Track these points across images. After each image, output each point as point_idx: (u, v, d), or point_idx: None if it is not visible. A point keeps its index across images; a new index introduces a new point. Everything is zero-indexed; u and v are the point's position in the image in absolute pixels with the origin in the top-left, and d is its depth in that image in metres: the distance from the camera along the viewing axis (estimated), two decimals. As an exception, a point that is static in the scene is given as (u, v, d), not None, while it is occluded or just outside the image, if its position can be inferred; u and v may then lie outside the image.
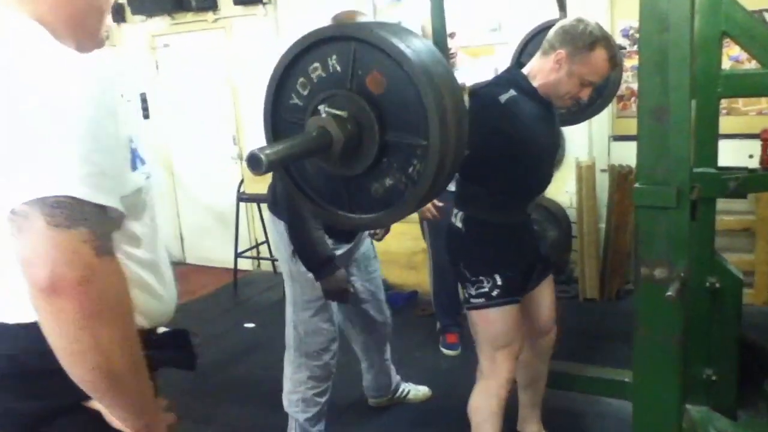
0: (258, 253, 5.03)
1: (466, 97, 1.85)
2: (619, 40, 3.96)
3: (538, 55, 1.98)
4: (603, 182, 3.98)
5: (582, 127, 4.04)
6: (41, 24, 0.87)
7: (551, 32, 1.95)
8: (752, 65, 3.24)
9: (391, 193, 1.20)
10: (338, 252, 2.28)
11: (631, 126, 4.10)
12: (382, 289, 2.65)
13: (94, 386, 0.83)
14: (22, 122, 0.77)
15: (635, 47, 3.89)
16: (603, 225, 4.02)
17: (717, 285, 2.09)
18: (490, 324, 2.02)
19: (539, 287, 2.23)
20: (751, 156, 3.26)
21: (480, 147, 1.81)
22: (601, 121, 4.04)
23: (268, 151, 1.02)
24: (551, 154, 2.12)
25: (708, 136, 2.09)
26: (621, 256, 3.90)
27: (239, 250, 4.75)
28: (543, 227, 4.06)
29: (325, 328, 2.36)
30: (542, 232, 4.06)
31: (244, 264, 4.97)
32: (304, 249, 2.14)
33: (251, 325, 3.97)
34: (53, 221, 0.75)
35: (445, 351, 3.44)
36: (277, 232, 2.34)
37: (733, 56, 3.58)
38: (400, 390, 2.94)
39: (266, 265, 5.00)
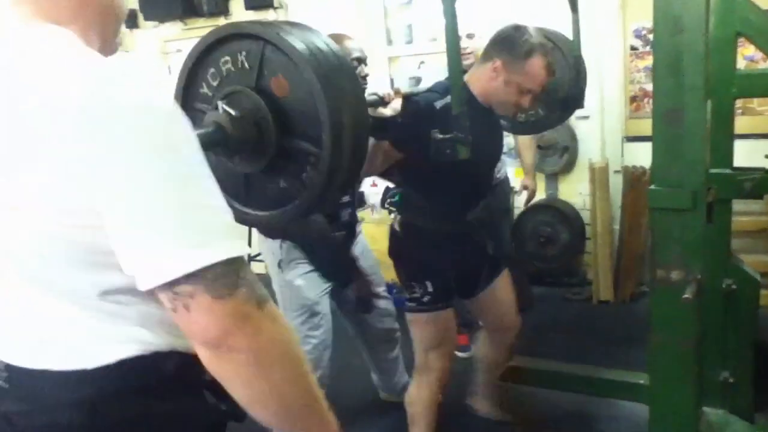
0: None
1: (399, 102, 1.87)
2: (632, 40, 3.94)
3: (477, 62, 2.02)
4: (616, 184, 3.95)
5: (595, 128, 4.04)
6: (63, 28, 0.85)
7: (489, 40, 1.99)
8: (767, 65, 3.21)
9: (285, 194, 1.24)
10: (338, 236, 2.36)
11: (645, 127, 4.10)
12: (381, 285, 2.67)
13: (280, 423, 0.88)
14: (133, 164, 0.74)
15: (647, 48, 3.87)
16: (617, 227, 4.00)
17: (733, 287, 2.07)
18: (422, 327, 2.13)
19: (495, 286, 2.29)
20: (766, 156, 3.22)
21: (414, 151, 1.86)
22: (614, 122, 4.03)
23: None
24: (489, 162, 2.17)
25: (723, 137, 2.08)
26: (635, 258, 3.88)
27: (252, 254, 4.75)
28: (555, 229, 4.05)
29: (314, 335, 2.37)
30: (554, 235, 4.05)
31: (258, 268, 4.98)
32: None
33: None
34: (218, 294, 0.77)
35: (456, 353, 3.43)
36: (265, 242, 2.38)
37: (747, 56, 3.55)
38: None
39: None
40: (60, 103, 0.74)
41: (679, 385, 1.38)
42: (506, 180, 3.44)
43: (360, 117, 1.22)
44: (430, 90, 2.04)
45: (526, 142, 3.50)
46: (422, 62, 3.45)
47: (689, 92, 1.27)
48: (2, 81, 0.78)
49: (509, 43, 1.93)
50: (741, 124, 3.14)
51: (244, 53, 1.19)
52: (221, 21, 4.88)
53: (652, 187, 1.32)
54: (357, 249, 2.58)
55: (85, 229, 0.77)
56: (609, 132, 4.04)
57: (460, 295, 2.25)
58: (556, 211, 4.08)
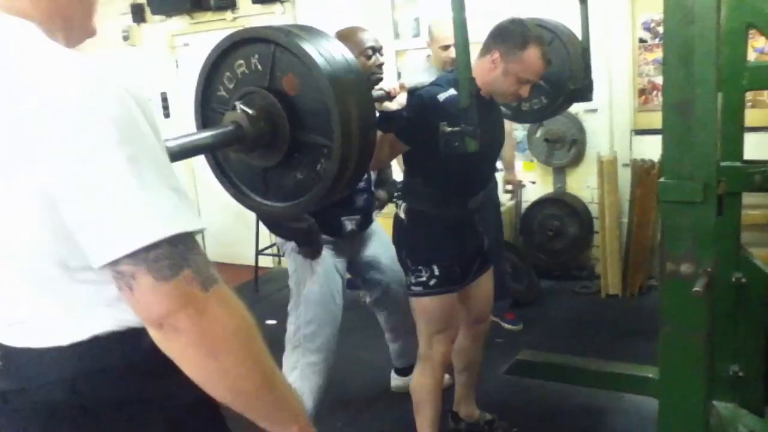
0: (278, 250, 5.06)
1: (404, 96, 1.90)
2: (641, 33, 3.92)
3: (477, 55, 2.06)
4: (625, 177, 3.94)
5: (603, 121, 4.02)
6: (26, 20, 0.84)
7: (488, 34, 2.06)
8: (778, 57, 3.18)
9: (302, 186, 1.32)
10: (352, 220, 2.41)
11: (653, 120, 4.09)
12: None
13: (234, 404, 0.88)
14: (75, 148, 0.76)
15: (657, 40, 3.84)
16: (625, 220, 3.98)
17: (743, 280, 2.06)
18: (427, 311, 2.15)
19: (482, 278, 2.35)
20: (777, 149, 3.20)
21: (419, 143, 1.95)
22: (623, 116, 4.01)
23: (170, 143, 1.08)
24: (491, 152, 2.21)
25: (733, 130, 2.06)
26: (643, 252, 3.86)
27: (260, 248, 4.78)
28: (563, 223, 4.04)
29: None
30: (562, 228, 4.04)
31: (265, 261, 5.00)
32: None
33: (272, 321, 3.99)
34: (160, 275, 0.78)
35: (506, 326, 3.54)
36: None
37: (758, 48, 3.52)
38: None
39: (286, 263, 5.02)
40: (60, 103, 0.76)
41: (689, 378, 1.37)
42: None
43: (366, 109, 1.29)
44: (433, 83, 2.09)
45: (508, 138, 3.49)
46: (429, 56, 3.46)
47: (700, 84, 1.26)
48: None
49: (506, 35, 1.99)
50: (751, 116, 3.12)
51: (256, 56, 1.28)
52: (228, 15, 4.88)
53: (663, 179, 1.32)
54: (375, 244, 2.61)
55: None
56: (617, 125, 4.02)
57: (461, 282, 2.25)
58: (564, 205, 4.07)
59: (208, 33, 5.00)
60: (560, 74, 2.45)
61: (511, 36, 1.98)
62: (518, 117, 2.78)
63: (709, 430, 1.46)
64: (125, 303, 0.81)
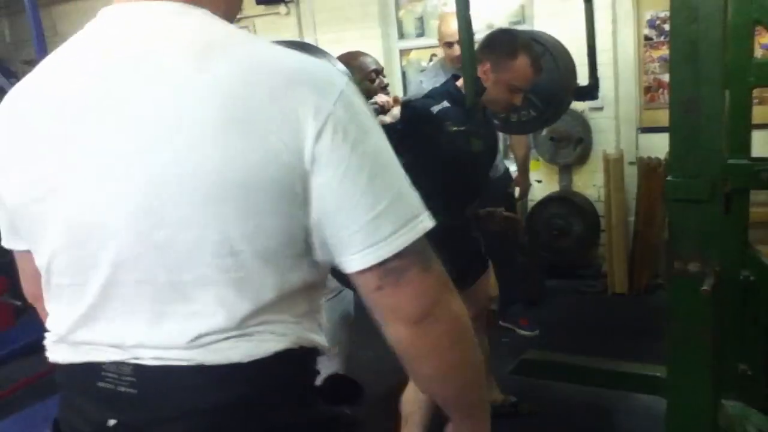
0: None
1: (397, 109, 1.92)
2: (646, 30, 3.90)
3: None
4: (631, 175, 3.92)
5: (609, 119, 4.00)
6: (198, 6, 0.78)
7: (479, 45, 2.08)
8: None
9: None
10: None
11: (659, 117, 4.08)
12: None
13: (458, 396, 0.89)
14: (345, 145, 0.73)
15: (662, 37, 3.83)
16: (631, 218, 3.97)
17: (751, 278, 2.05)
18: None
19: (481, 280, 2.37)
20: (784, 146, 3.18)
21: (413, 154, 1.92)
22: (629, 113, 3.99)
23: None
24: (484, 162, 2.25)
25: (740, 127, 2.05)
26: (650, 250, 3.85)
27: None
28: (569, 222, 4.03)
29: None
30: (568, 227, 4.03)
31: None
32: None
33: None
34: (425, 265, 0.78)
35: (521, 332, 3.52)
36: None
37: (764, 44, 3.50)
38: None
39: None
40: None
41: (697, 377, 1.37)
42: (506, 174, 3.45)
43: None
44: (426, 96, 2.12)
45: (520, 139, 3.52)
46: (434, 55, 3.47)
47: (706, 81, 1.25)
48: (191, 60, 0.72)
49: (495, 45, 2.03)
50: (758, 113, 3.09)
51: None
52: (232, 16, 4.88)
53: (669, 177, 1.31)
54: None
55: (293, 216, 0.73)
56: (623, 123, 4.00)
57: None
58: (570, 203, 4.06)
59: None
60: (549, 88, 2.48)
61: (500, 46, 2.02)
62: (507, 128, 2.83)
63: (717, 429, 1.46)
64: (377, 304, 0.78)
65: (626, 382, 2.45)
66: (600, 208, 4.02)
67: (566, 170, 4.18)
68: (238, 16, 4.11)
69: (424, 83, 3.10)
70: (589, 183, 4.12)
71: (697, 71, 1.24)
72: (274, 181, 0.71)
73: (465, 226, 2.23)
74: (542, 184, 4.25)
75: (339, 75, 0.77)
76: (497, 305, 3.48)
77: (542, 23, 3.85)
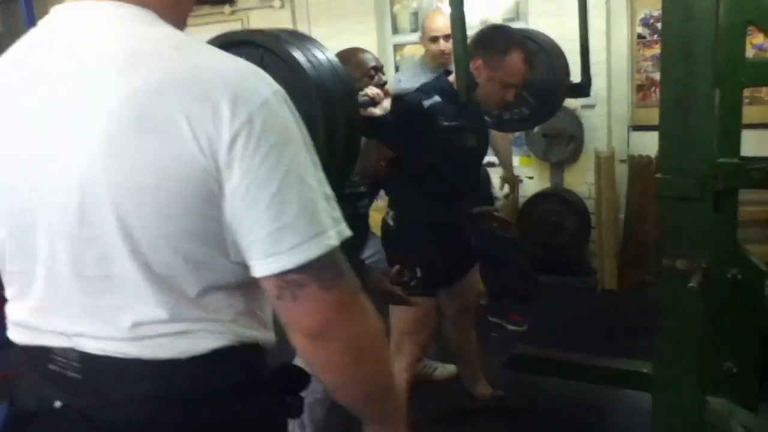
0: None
1: (388, 102, 1.92)
2: (639, 28, 3.92)
3: None
4: (622, 173, 3.94)
5: (601, 117, 4.02)
6: (143, 7, 0.80)
7: (471, 41, 2.05)
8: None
9: None
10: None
11: (651, 116, 4.08)
12: None
13: (365, 407, 0.92)
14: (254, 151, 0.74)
15: (655, 36, 3.84)
16: (622, 216, 3.99)
17: (739, 277, 2.06)
18: (402, 311, 2.15)
19: (470, 274, 2.41)
20: (774, 146, 3.20)
21: (404, 149, 1.99)
22: (621, 111, 4.01)
23: None
24: (475, 158, 2.26)
25: (731, 126, 2.05)
26: (641, 248, 3.87)
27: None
28: (560, 218, 4.04)
29: None
30: (559, 223, 4.05)
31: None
32: None
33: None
34: (325, 284, 0.78)
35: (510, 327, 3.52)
36: None
37: (757, 44, 3.52)
38: (426, 366, 2.96)
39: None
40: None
41: (683, 373, 1.38)
42: (486, 174, 3.46)
43: (353, 117, 1.30)
44: (418, 90, 2.12)
45: (504, 137, 3.49)
46: (422, 55, 3.47)
47: (698, 80, 1.26)
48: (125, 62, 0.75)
49: (488, 42, 2.02)
50: (749, 113, 3.12)
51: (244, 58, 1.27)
52: (226, 8, 4.86)
53: (660, 175, 1.32)
54: (373, 244, 2.60)
55: (212, 217, 0.76)
56: (615, 121, 4.02)
57: (443, 285, 2.30)
58: (562, 200, 4.08)
59: (206, 26, 4.98)
60: (544, 86, 2.49)
61: (493, 42, 2.00)
62: (500, 126, 2.83)
63: (702, 425, 1.47)
64: (278, 311, 0.80)
65: (615, 378, 2.47)
66: (591, 205, 4.04)
67: (558, 167, 4.19)
68: (233, 9, 4.09)
69: (402, 82, 3.07)
70: (581, 180, 4.14)
71: (689, 69, 1.25)
72: (188, 184, 0.73)
73: (456, 222, 2.24)
74: (534, 180, 4.27)
75: (267, 85, 0.79)
76: (486, 300, 3.50)
77: (536, 20, 3.86)
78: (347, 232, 0.81)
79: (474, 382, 2.71)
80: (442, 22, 3.06)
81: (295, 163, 0.77)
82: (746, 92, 3.68)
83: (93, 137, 0.73)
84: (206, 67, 0.77)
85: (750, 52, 3.32)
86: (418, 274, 2.10)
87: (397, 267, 2.11)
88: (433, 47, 3.11)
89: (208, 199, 0.75)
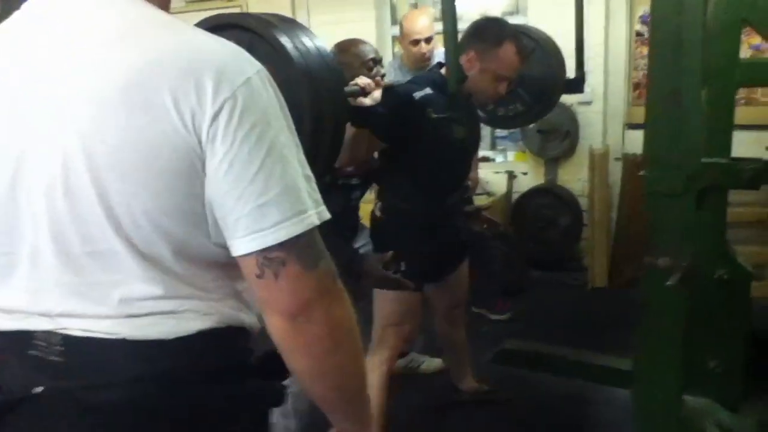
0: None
1: (378, 92, 1.91)
2: (638, 26, 3.90)
3: None
4: (616, 171, 3.94)
5: (597, 115, 4.01)
6: None
7: (463, 33, 2.06)
8: (773, 54, 3.18)
9: None
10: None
11: (646, 114, 4.00)
12: None
13: (333, 403, 0.90)
14: (235, 131, 0.75)
15: (654, 34, 3.83)
16: (614, 214, 3.99)
17: (726, 277, 2.06)
18: (387, 302, 2.16)
19: (459, 270, 2.42)
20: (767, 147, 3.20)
21: (394, 140, 1.98)
22: (616, 109, 4.00)
23: None
24: (466, 151, 2.24)
25: (723, 126, 2.02)
26: (632, 246, 3.87)
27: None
28: (553, 214, 4.04)
29: None
30: (552, 219, 4.05)
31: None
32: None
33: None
34: (307, 264, 0.78)
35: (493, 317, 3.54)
36: None
37: (754, 45, 3.51)
38: (413, 360, 2.96)
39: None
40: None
41: (662, 370, 1.38)
42: None
43: (340, 105, 1.30)
44: (410, 82, 2.12)
45: None
46: (400, 55, 3.44)
47: (686, 76, 1.25)
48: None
49: (481, 34, 2.00)
50: (744, 114, 3.10)
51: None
52: (225, -4, 4.84)
53: (646, 171, 1.31)
54: (363, 236, 2.59)
55: (194, 196, 0.76)
56: (611, 118, 4.02)
57: (430, 280, 2.29)
58: (555, 196, 4.08)
59: (206, 12, 4.95)
60: (539, 82, 2.50)
61: (486, 34, 1.99)
62: (494, 123, 2.85)
63: (681, 423, 1.47)
64: (257, 291, 0.79)
65: (602, 375, 2.47)
66: (584, 202, 4.04)
67: (553, 163, 4.19)
68: (231, -1, 3.93)
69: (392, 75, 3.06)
70: (575, 177, 4.14)
71: (677, 65, 1.25)
72: (172, 160, 0.74)
73: (445, 215, 2.23)
74: (528, 176, 4.26)
75: (250, 64, 0.79)
76: (470, 293, 3.50)
77: (536, 14, 3.84)
78: (327, 215, 0.81)
79: (461, 375, 2.72)
80: (423, 24, 3.03)
81: (278, 142, 0.78)
82: (742, 93, 3.68)
83: (81, 115, 0.74)
84: (191, 46, 0.78)
85: (747, 53, 3.32)
86: (403, 267, 2.09)
87: (391, 252, 2.10)
88: (414, 50, 3.08)
89: (191, 177, 0.75)
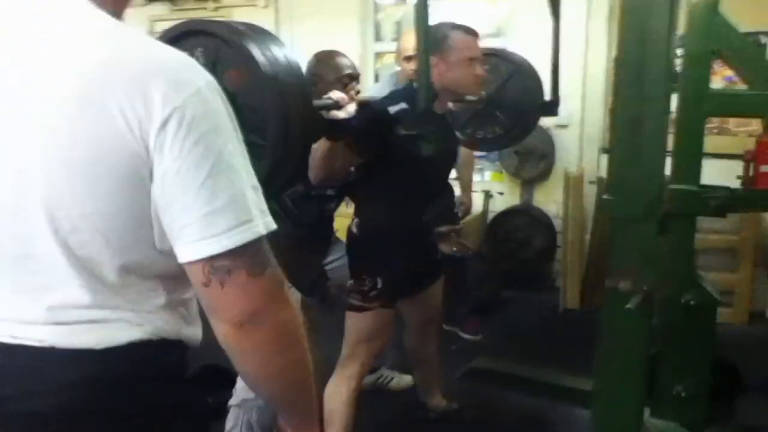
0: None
1: (352, 106, 1.92)
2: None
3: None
4: (591, 194, 3.98)
5: (573, 138, 4.06)
6: None
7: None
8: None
9: None
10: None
11: (621, 139, 4.03)
12: None
13: (281, 400, 0.94)
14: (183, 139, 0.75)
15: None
16: (588, 236, 4.02)
17: (692, 302, 2.08)
18: (359, 319, 2.15)
19: (433, 286, 2.42)
20: (738, 177, 3.25)
21: (368, 154, 1.99)
22: (593, 134, 4.06)
23: None
24: (441, 168, 2.27)
25: (692, 154, 2.08)
26: (604, 269, 3.89)
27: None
28: (527, 235, 4.07)
29: None
30: (526, 240, 4.07)
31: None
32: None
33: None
34: (253, 271, 0.79)
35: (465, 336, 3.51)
36: None
37: (727, 77, 3.58)
38: (383, 376, 2.95)
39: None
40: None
41: (622, 393, 1.39)
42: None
43: (305, 111, 1.31)
44: (385, 98, 2.13)
45: (466, 158, 3.43)
46: (397, 71, 3.48)
47: (649, 102, 1.28)
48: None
49: (432, 42, 2.02)
50: (716, 143, 3.16)
51: (200, 49, 1.29)
52: (209, 4, 4.84)
53: (607, 195, 1.33)
54: (337, 249, 2.56)
55: (138, 203, 0.77)
56: (587, 142, 4.07)
57: (404, 296, 2.28)
58: (530, 217, 4.11)
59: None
60: (516, 106, 2.54)
61: (434, 38, 2.03)
62: (473, 145, 2.87)
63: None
64: (203, 298, 0.80)
65: (568, 395, 2.48)
66: (559, 224, 4.07)
67: (529, 185, 4.23)
68: (217, 5, 4.06)
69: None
70: (550, 199, 4.17)
71: (641, 91, 1.27)
72: (119, 165, 0.75)
73: (417, 231, 2.22)
74: (504, 196, 4.29)
75: (201, 74, 0.80)
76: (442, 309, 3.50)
77: (518, 38, 3.89)
78: (273, 225, 0.82)
79: (430, 392, 2.71)
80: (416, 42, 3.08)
81: (225, 151, 0.78)
82: (715, 122, 3.75)
83: (37, 115, 0.75)
84: (143, 54, 0.79)
85: (721, 84, 3.38)
86: (378, 284, 2.08)
87: (351, 282, 2.11)
88: (406, 66, 3.13)
89: (137, 183, 0.75)
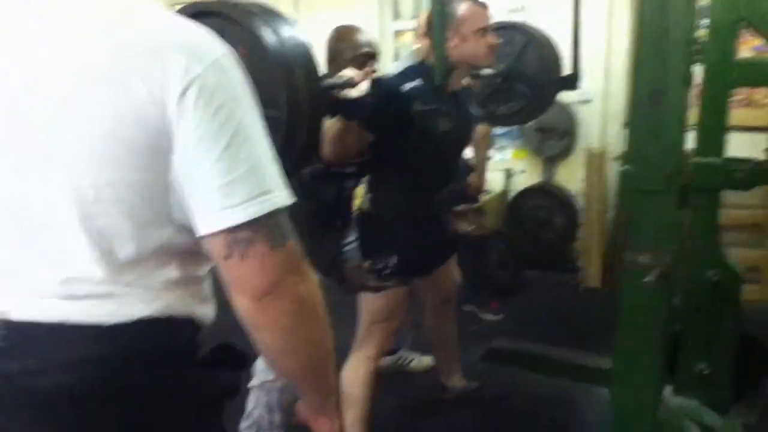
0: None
1: (366, 84, 1.89)
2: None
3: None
4: (614, 171, 3.91)
5: (596, 113, 3.98)
6: None
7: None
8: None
9: None
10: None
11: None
12: None
13: (300, 376, 0.93)
14: (211, 116, 0.76)
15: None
16: (610, 214, 3.96)
17: (716, 279, 2.04)
18: (374, 299, 2.13)
19: (448, 264, 2.42)
20: (765, 149, 3.17)
21: (382, 132, 1.96)
22: (617, 109, 3.97)
23: None
24: (455, 147, 2.25)
25: (716, 126, 2.02)
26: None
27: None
28: (549, 213, 4.02)
29: None
30: (548, 218, 4.03)
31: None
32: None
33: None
34: (275, 243, 0.79)
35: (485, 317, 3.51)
36: None
37: (756, 47, 3.47)
38: (402, 357, 2.95)
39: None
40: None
41: (641, 369, 1.37)
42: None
43: (312, 81, 1.32)
44: (400, 74, 2.09)
45: (481, 137, 3.21)
46: (415, 49, 3.42)
47: (670, 73, 1.23)
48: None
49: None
50: (744, 115, 3.07)
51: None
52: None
53: (625, 167, 1.30)
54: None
55: (158, 172, 0.77)
56: (611, 117, 3.98)
57: (418, 275, 2.27)
58: (552, 196, 4.05)
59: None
60: (535, 77, 2.50)
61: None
62: (494, 121, 2.83)
63: (658, 422, 1.45)
64: (224, 271, 0.80)
65: (588, 374, 2.46)
66: (581, 202, 4.01)
67: (550, 162, 4.17)
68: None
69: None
70: (572, 176, 4.11)
71: (662, 62, 1.23)
72: (139, 134, 0.75)
73: (433, 209, 2.20)
74: (526, 174, 4.24)
75: (220, 46, 0.81)
76: (462, 291, 3.48)
77: (541, 12, 3.81)
78: (291, 199, 0.82)
79: (449, 373, 2.70)
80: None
81: (245, 122, 0.79)
82: (743, 94, 3.64)
83: (56, 88, 0.75)
84: (163, 26, 0.80)
85: (750, 54, 3.28)
86: (393, 262, 2.07)
87: (368, 262, 2.09)
88: (424, 43, 3.08)
89: (157, 153, 0.76)
